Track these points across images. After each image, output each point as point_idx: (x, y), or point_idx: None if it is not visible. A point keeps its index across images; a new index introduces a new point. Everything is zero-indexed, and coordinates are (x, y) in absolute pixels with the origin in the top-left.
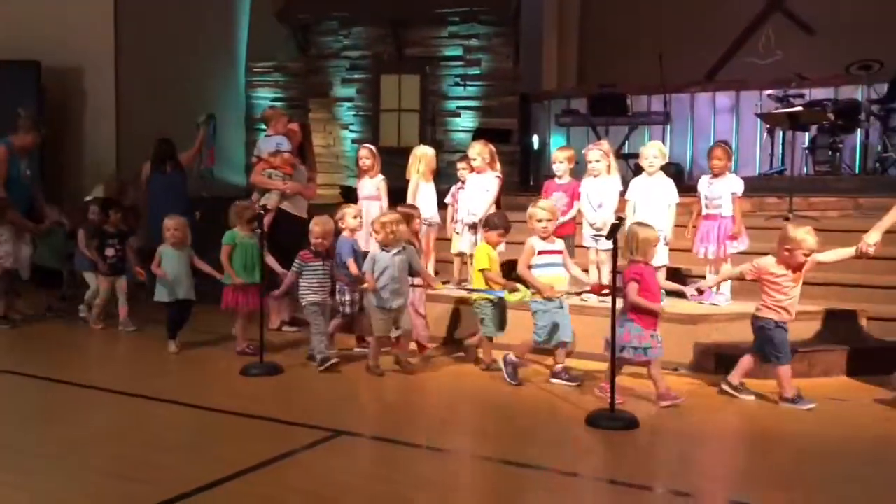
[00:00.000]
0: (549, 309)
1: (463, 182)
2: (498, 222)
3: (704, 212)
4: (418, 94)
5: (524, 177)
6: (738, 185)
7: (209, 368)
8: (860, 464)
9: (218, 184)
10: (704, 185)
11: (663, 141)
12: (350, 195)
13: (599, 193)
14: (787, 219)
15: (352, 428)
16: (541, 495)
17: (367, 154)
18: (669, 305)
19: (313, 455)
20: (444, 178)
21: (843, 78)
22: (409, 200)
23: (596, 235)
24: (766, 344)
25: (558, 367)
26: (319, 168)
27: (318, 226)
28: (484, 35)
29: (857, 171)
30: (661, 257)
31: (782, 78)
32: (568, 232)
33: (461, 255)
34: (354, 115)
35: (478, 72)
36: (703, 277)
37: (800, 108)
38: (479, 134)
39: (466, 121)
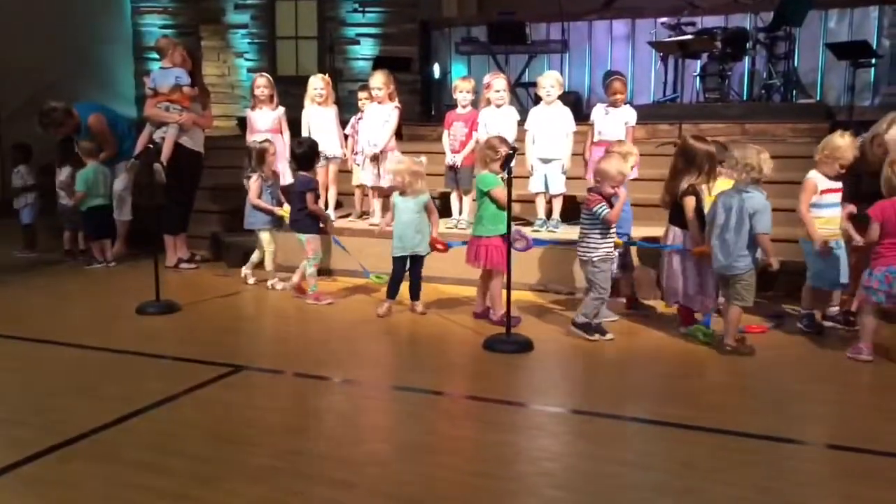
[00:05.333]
0: None
1: (363, 112)
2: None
3: (597, 139)
4: (316, 20)
5: (425, 107)
6: (632, 116)
7: (103, 308)
8: None
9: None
10: (600, 114)
11: (561, 70)
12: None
13: (497, 123)
14: (675, 145)
15: (251, 362)
16: (437, 416)
17: (265, 83)
18: (567, 232)
19: (212, 391)
20: (347, 108)
21: (731, 6)
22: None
23: None
24: None
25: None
26: (214, 99)
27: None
28: None
29: (744, 97)
30: (558, 185)
31: (675, 6)
32: (469, 163)
33: (362, 187)
34: (249, 43)
35: None
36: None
37: (690, 37)
38: (379, 62)
39: (366, 49)
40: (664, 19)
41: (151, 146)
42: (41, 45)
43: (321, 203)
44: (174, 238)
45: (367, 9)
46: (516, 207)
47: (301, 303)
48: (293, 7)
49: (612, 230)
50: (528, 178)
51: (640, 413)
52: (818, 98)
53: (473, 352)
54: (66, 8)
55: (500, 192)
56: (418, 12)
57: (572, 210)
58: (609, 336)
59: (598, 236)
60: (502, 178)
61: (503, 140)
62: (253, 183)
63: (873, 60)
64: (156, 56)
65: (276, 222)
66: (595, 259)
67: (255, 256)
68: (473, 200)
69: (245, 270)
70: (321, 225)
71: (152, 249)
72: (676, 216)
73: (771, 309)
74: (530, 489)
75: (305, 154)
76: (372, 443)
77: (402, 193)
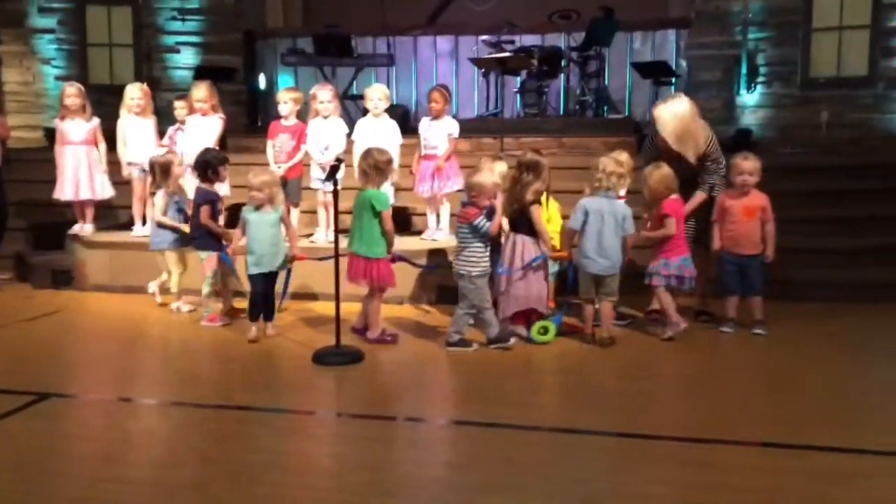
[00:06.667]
0: None
1: (182, 123)
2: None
3: (423, 152)
4: (131, 27)
5: (252, 118)
6: (454, 128)
7: None
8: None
9: None
10: (424, 126)
11: (388, 83)
12: (50, 138)
13: (326, 135)
14: (499, 158)
15: (62, 390)
16: (264, 433)
17: (76, 93)
18: (400, 243)
19: (14, 422)
20: (165, 118)
21: (547, 26)
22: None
23: (321, 178)
24: None
25: None
26: (17, 108)
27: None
28: None
29: (560, 112)
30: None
31: (495, 24)
32: (296, 175)
33: None
34: (57, 50)
35: (196, 6)
36: (425, 215)
37: (508, 54)
38: (201, 72)
39: (187, 58)
40: (485, 37)
41: None
42: None
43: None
44: None
45: (186, 17)
46: (348, 219)
47: (115, 324)
48: (105, 12)
49: (485, 245)
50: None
51: (467, 416)
52: (627, 114)
53: (304, 365)
54: None
55: (389, 215)
56: (242, 22)
57: (403, 221)
58: (474, 346)
59: (481, 250)
60: (325, 192)
61: (384, 151)
62: (158, 199)
63: (673, 79)
64: None
65: (183, 241)
66: (474, 274)
67: (162, 278)
68: (302, 212)
69: (153, 287)
70: (224, 242)
71: None
72: (523, 225)
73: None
74: (361, 499)
75: (204, 164)
76: (193, 465)
77: (259, 208)
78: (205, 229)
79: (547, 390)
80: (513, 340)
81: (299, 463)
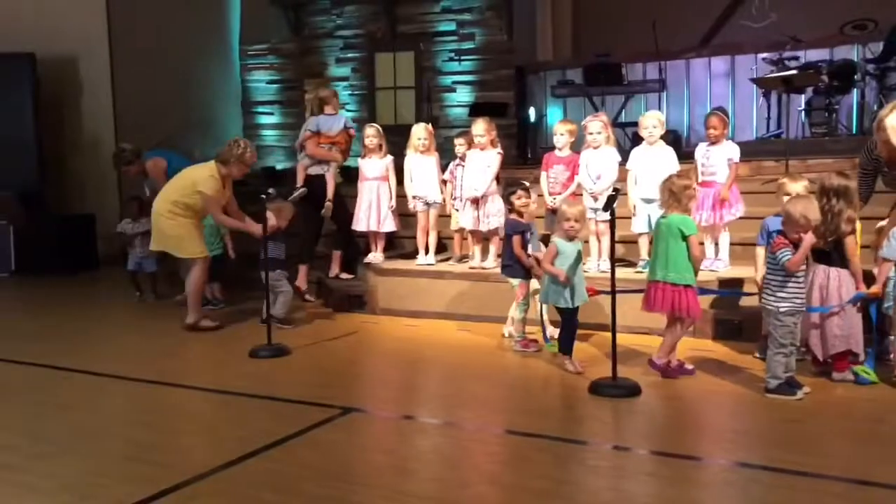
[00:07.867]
0: None
1: (462, 158)
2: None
3: (700, 179)
4: (413, 70)
5: (522, 150)
6: (735, 152)
7: (217, 351)
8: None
9: None
10: (701, 152)
11: (660, 108)
12: (349, 175)
13: (598, 165)
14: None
15: (361, 405)
16: (543, 460)
17: (374, 133)
18: None
19: (323, 433)
20: (443, 154)
21: (837, 38)
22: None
23: (594, 207)
24: None
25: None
26: None
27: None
28: (477, 9)
29: (853, 131)
30: None
31: (776, 41)
32: None
33: (461, 231)
34: (350, 95)
35: (472, 46)
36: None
37: (794, 72)
38: (475, 108)
39: (462, 96)
40: (765, 54)
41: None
42: (166, 100)
43: (424, 246)
44: (306, 266)
45: (462, 57)
46: (619, 248)
47: (404, 346)
48: (391, 59)
49: (796, 279)
50: (629, 218)
51: (750, 458)
52: None
53: (580, 395)
54: (180, 62)
55: (697, 240)
56: (513, 58)
57: None
58: (805, 389)
59: (790, 284)
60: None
61: (685, 176)
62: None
63: None
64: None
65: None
66: (781, 310)
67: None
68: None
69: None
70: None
71: (265, 295)
72: (837, 257)
73: None
74: None
75: (506, 197)
76: (479, 486)
77: (571, 239)
78: (516, 258)
79: (844, 437)
80: (801, 394)
81: (579, 493)
